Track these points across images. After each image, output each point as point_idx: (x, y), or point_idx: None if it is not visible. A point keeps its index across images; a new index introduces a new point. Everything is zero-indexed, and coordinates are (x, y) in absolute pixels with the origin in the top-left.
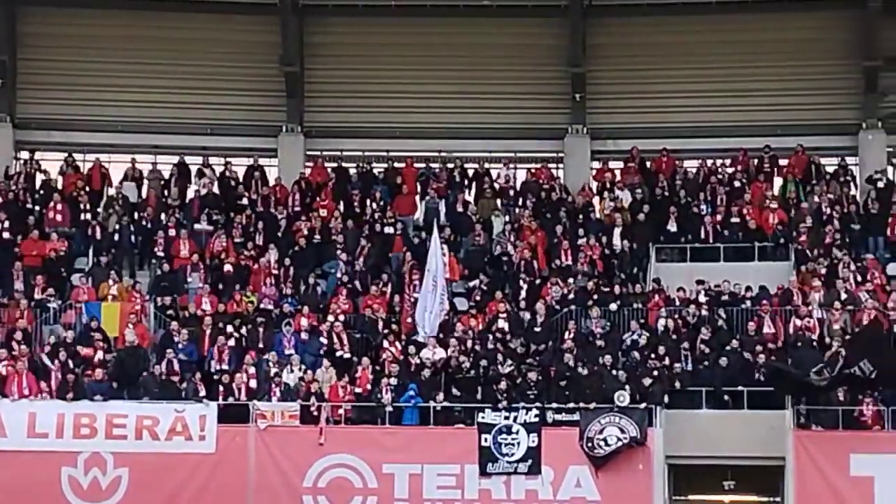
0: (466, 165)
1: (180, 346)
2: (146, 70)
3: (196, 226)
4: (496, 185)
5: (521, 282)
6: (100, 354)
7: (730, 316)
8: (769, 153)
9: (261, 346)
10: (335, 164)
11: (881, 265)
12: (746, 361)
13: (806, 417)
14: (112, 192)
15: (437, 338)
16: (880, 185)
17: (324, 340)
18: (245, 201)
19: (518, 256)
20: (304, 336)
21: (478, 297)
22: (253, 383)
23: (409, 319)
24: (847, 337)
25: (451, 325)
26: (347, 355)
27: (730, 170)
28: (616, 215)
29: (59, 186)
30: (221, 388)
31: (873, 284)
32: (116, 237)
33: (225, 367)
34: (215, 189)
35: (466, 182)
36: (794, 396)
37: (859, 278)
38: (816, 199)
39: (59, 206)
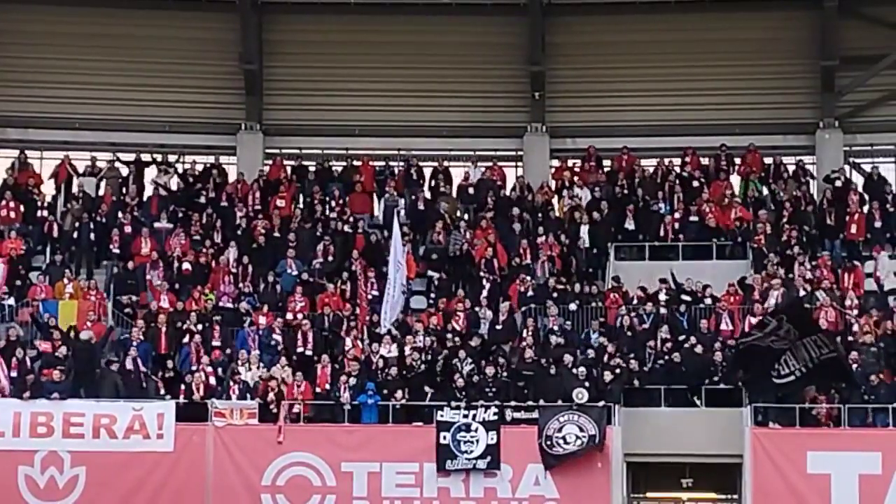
0: (425, 164)
1: (141, 344)
2: (104, 67)
3: (156, 224)
4: (456, 184)
5: (484, 280)
6: (57, 350)
7: (689, 314)
8: (725, 151)
9: (219, 343)
10: (294, 162)
11: (833, 263)
12: (704, 359)
13: (763, 415)
14: (74, 188)
15: (393, 336)
16: (838, 183)
17: (278, 338)
18: (203, 199)
19: (478, 255)
20: (267, 335)
21: (433, 295)
22: (212, 381)
23: (367, 317)
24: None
25: (410, 324)
26: (310, 352)
27: (687, 168)
28: (574, 213)
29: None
30: (183, 386)
31: (829, 283)
32: (75, 235)
33: (194, 367)
34: (173, 186)
35: (423, 180)
36: (755, 390)
37: (820, 275)
38: (775, 197)
39: (11, 204)
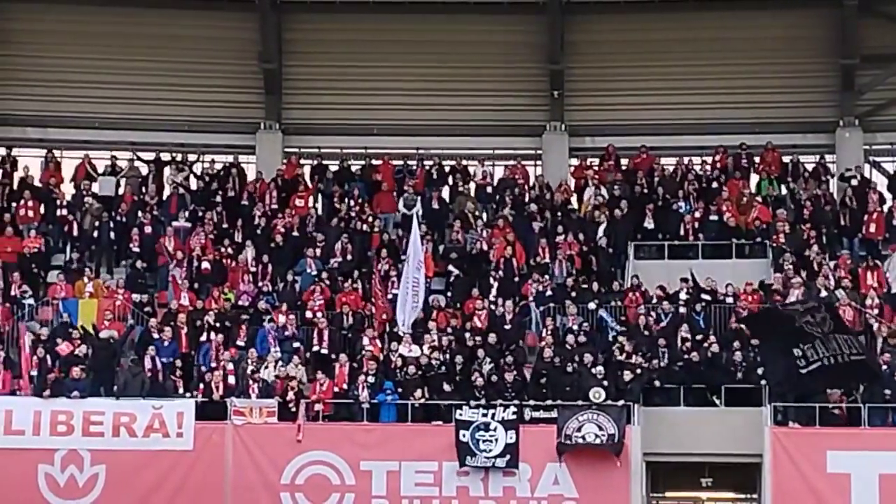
0: (444, 162)
1: (165, 343)
2: (124, 66)
3: (174, 223)
4: (474, 182)
5: (498, 279)
6: (77, 349)
7: (709, 313)
8: (745, 150)
9: (243, 343)
10: (313, 162)
11: (852, 262)
12: (724, 358)
13: (783, 414)
14: (94, 188)
15: (413, 335)
16: (854, 182)
17: (288, 334)
18: (221, 198)
19: (496, 254)
20: (284, 333)
21: (450, 294)
22: (231, 380)
23: (385, 316)
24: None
25: (428, 323)
26: (325, 351)
27: (707, 168)
28: (595, 212)
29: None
30: (202, 385)
31: (848, 282)
32: (95, 234)
33: (213, 364)
34: (192, 185)
35: (443, 178)
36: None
37: (840, 274)
38: (794, 196)
39: (30, 203)
